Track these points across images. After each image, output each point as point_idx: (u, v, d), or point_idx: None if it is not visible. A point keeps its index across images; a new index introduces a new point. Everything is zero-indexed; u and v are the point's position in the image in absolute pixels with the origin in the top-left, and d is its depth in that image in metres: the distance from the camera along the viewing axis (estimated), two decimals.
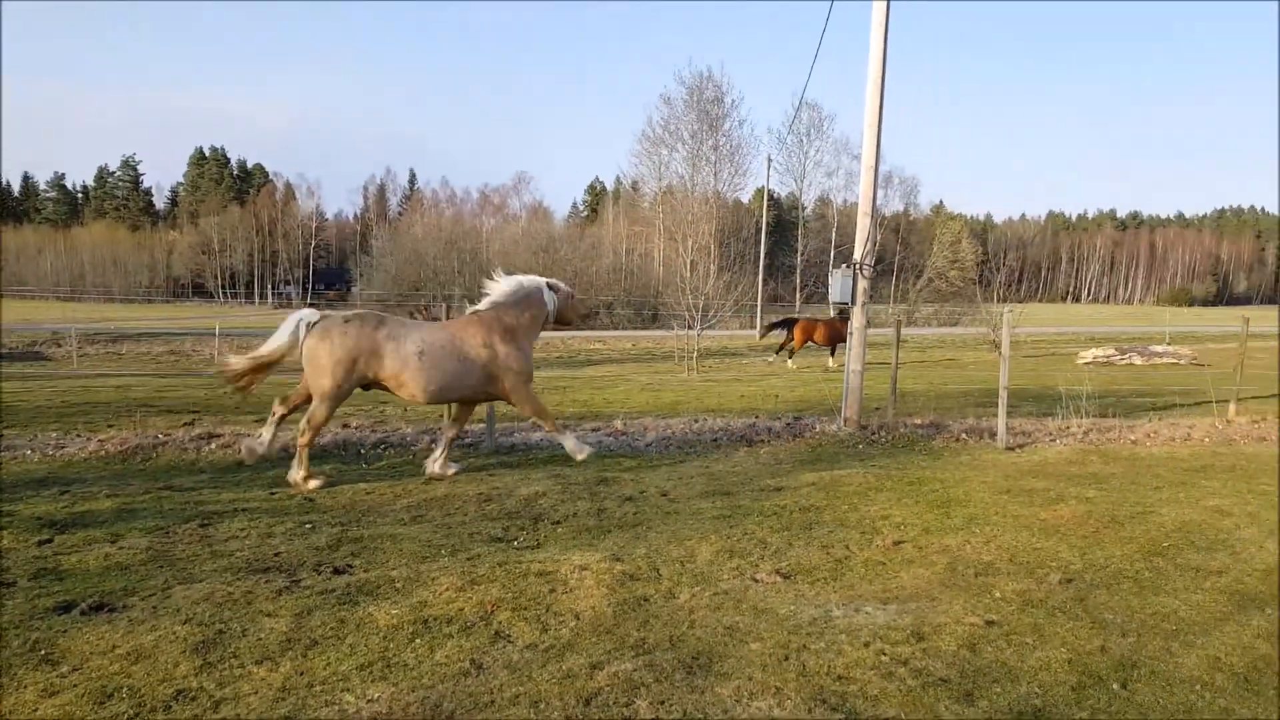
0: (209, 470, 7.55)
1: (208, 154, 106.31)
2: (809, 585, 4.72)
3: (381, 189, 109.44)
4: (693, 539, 5.52)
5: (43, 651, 3.61)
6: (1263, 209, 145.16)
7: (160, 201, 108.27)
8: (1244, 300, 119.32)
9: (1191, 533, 5.95)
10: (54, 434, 8.98)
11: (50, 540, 5.23)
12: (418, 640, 3.82)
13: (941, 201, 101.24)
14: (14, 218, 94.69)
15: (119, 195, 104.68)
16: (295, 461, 7.02)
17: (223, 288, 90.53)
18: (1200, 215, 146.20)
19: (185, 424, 9.86)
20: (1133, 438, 9.94)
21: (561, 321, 8.23)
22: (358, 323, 7.07)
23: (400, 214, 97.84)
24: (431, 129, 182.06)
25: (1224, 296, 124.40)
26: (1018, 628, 4.12)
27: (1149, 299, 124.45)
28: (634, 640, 3.87)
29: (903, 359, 16.12)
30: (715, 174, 61.82)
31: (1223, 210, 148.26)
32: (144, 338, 33.48)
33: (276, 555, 5.04)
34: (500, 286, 7.75)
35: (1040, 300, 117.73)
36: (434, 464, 7.47)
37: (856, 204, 11.72)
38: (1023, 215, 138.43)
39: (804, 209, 72.58)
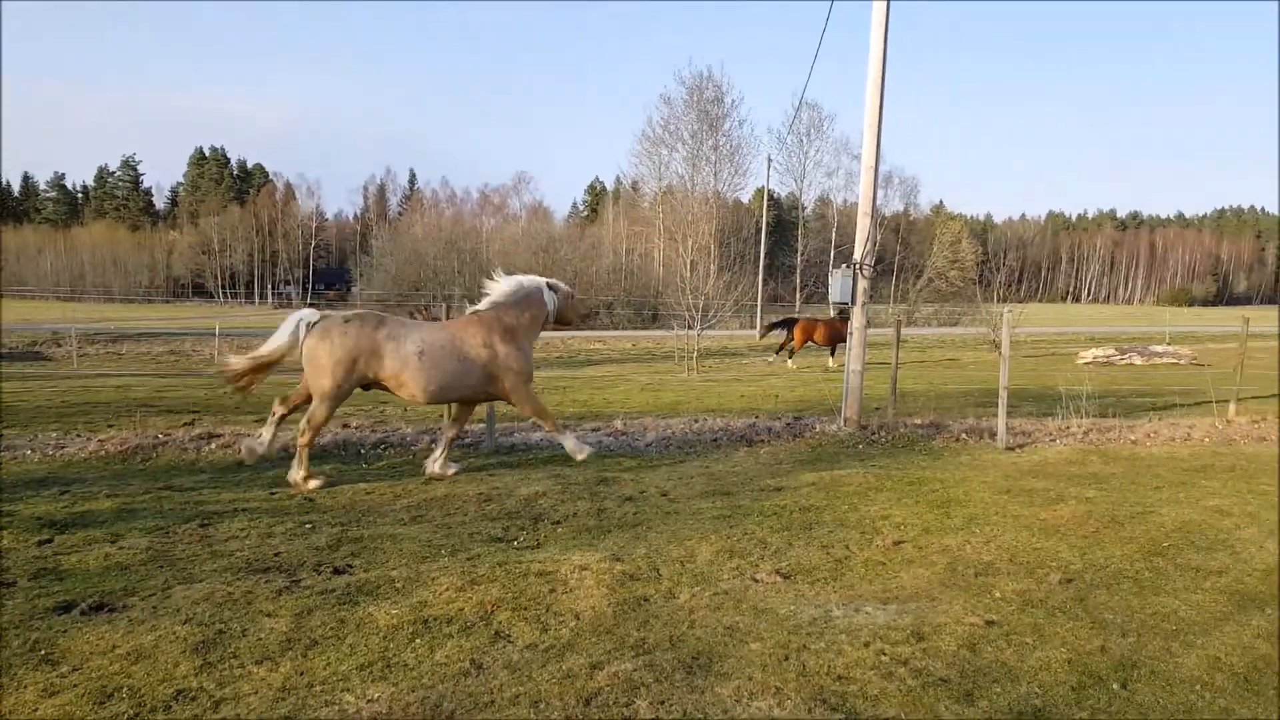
0: (209, 470, 7.55)
1: (208, 154, 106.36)
2: (809, 585, 4.72)
3: (381, 189, 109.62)
4: (693, 539, 5.52)
5: (43, 651, 3.62)
6: (1263, 209, 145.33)
7: (160, 201, 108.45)
8: (1244, 300, 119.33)
9: (1191, 533, 5.95)
10: (54, 434, 8.98)
11: (50, 540, 5.23)
12: (418, 640, 3.82)
13: (941, 201, 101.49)
14: (14, 218, 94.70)
15: (119, 195, 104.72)
16: (295, 461, 7.02)
17: (223, 288, 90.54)
18: (1200, 215, 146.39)
19: (185, 424, 9.86)
20: (1133, 438, 9.94)
21: (561, 321, 8.23)
22: (358, 323, 7.07)
23: (400, 214, 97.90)
24: (431, 129, 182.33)
25: (1224, 296, 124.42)
26: (1018, 628, 4.12)
27: (1149, 299, 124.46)
28: (634, 640, 3.87)
29: (903, 359, 16.12)
30: (715, 174, 61.85)
31: (1223, 210, 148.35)
32: (144, 338, 33.49)
33: (276, 555, 5.04)
34: (500, 286, 7.76)
35: (1040, 300, 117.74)
36: (434, 464, 7.47)
37: (856, 204, 11.72)
38: (1023, 215, 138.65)
39: (804, 209, 72.58)
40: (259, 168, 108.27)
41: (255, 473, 7.43)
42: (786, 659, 3.69)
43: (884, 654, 3.75)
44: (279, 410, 7.31)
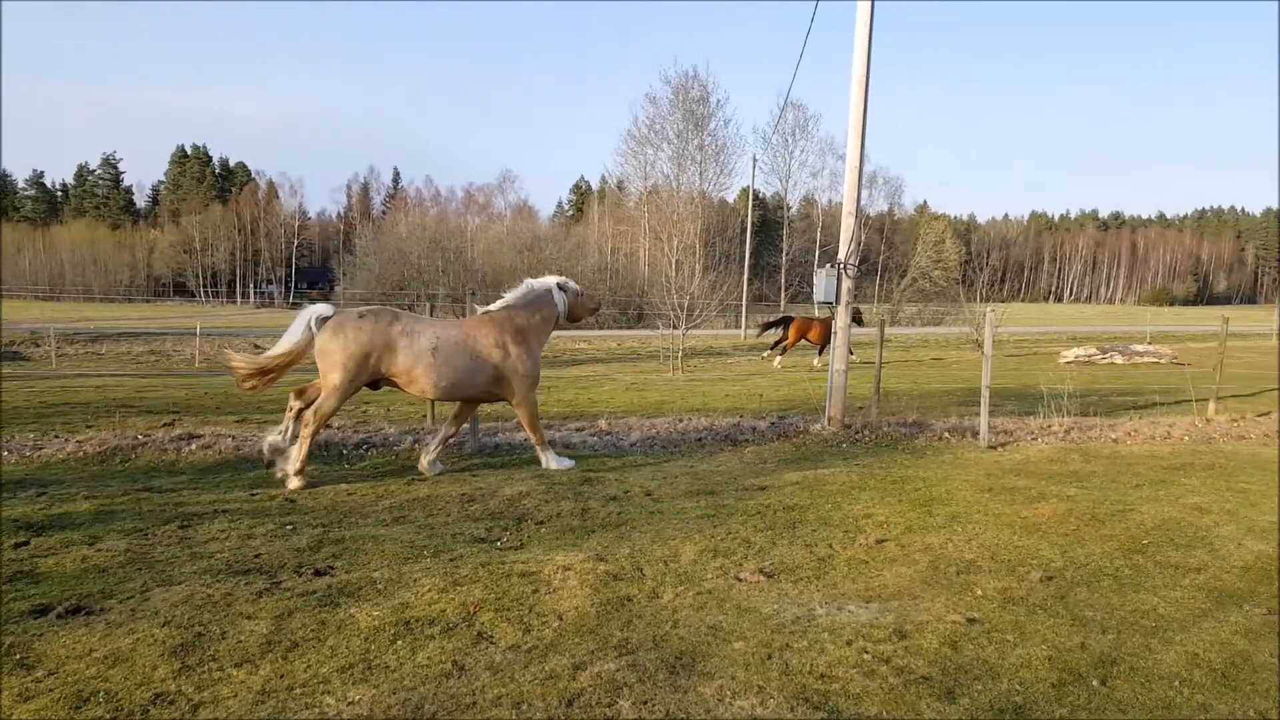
0: (189, 471, 7.49)
1: (189, 152, 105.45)
2: (792, 584, 4.73)
3: (365, 187, 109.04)
4: (677, 538, 5.52)
5: (18, 655, 3.57)
6: (1243, 209, 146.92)
7: (141, 200, 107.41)
8: (1224, 300, 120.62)
9: (1171, 530, 6.00)
10: (31, 435, 8.87)
11: (26, 543, 5.16)
12: (399, 642, 3.80)
13: (925, 201, 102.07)
14: None
15: (99, 194, 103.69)
16: (295, 449, 6.99)
17: (204, 287, 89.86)
18: (1181, 216, 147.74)
19: (165, 425, 9.78)
20: (1113, 436, 10.01)
21: (573, 319, 8.32)
22: (372, 318, 7.10)
23: (384, 213, 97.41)
24: (415, 127, 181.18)
25: (1204, 296, 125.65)
26: (999, 625, 4.14)
27: (1130, 299, 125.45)
28: (617, 640, 3.86)
29: (887, 358, 16.19)
30: (701, 173, 61.79)
31: (1203, 211, 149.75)
32: (124, 337, 33.19)
33: (257, 557, 5.00)
34: (513, 290, 7.86)
35: (1023, 300, 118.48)
36: (425, 458, 7.53)
37: (841, 204, 11.75)
38: (1006, 215, 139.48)
39: (789, 209, 72.75)
40: (241, 166, 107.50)
41: (236, 474, 7.38)
42: (769, 658, 3.69)
43: (866, 652, 3.76)
44: (295, 404, 7.29)
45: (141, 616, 4.00)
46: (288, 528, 5.62)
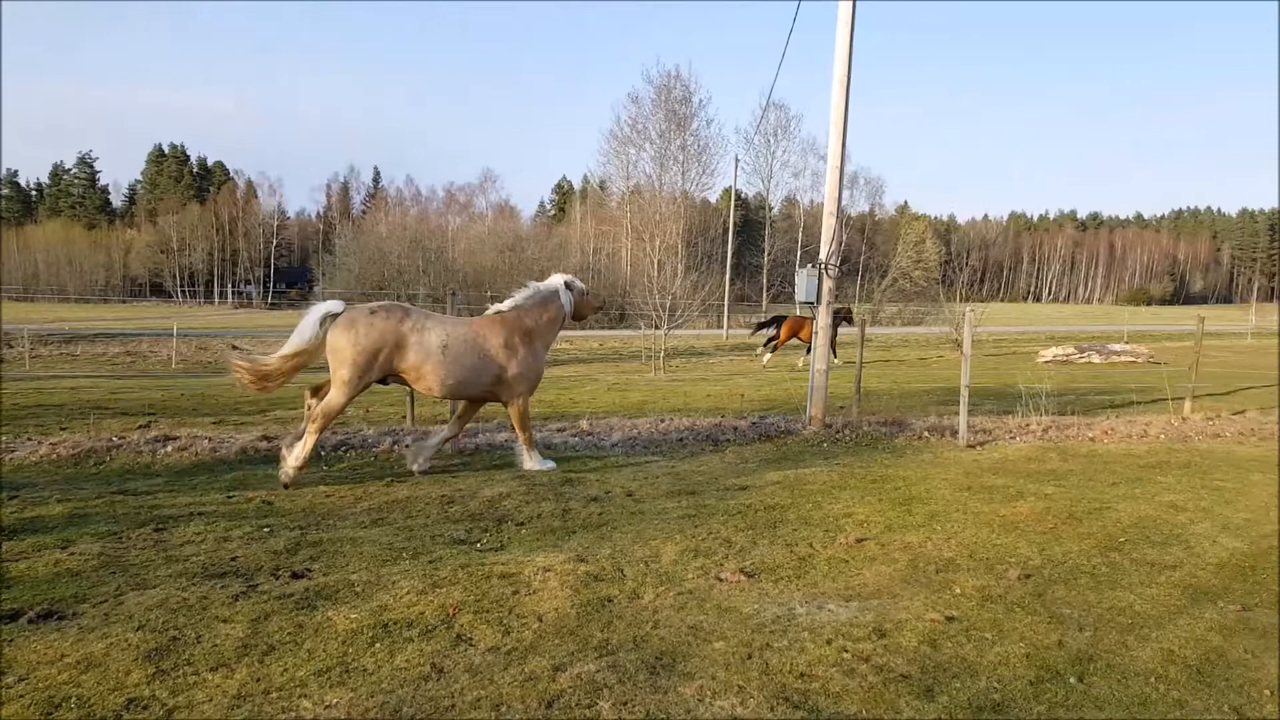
0: (164, 474, 7.40)
1: (166, 151, 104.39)
2: (773, 584, 4.74)
3: (345, 187, 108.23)
4: (658, 539, 5.51)
5: None
6: (1219, 210, 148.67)
7: (118, 199, 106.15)
8: (1200, 299, 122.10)
9: (1147, 528, 6.06)
10: (3, 437, 8.75)
11: None
12: (377, 645, 3.77)
13: (906, 202, 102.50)
14: None
15: (74, 193, 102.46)
16: (301, 444, 6.97)
17: (181, 287, 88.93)
18: (1158, 216, 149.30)
19: (140, 426, 9.67)
20: (1091, 435, 10.10)
21: (577, 318, 8.41)
22: (383, 314, 7.10)
23: (364, 212, 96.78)
24: (404, 127, 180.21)
25: (1181, 296, 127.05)
26: (977, 623, 4.16)
27: (1108, 298, 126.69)
28: (597, 641, 3.85)
29: (867, 358, 16.26)
30: (683, 173, 61.90)
31: (1180, 211, 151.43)
32: (100, 338, 32.79)
33: (233, 560, 4.95)
34: (520, 291, 7.92)
35: (1002, 300, 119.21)
36: (420, 458, 7.60)
37: (823, 204, 11.78)
38: (985, 216, 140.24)
39: (771, 209, 72.97)
40: (219, 165, 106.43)
41: (212, 476, 7.30)
42: (749, 657, 3.69)
43: (846, 651, 3.77)
44: (312, 400, 7.26)
45: (115, 621, 3.95)
46: (265, 530, 5.57)
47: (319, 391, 7.25)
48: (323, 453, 8.31)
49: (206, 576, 4.63)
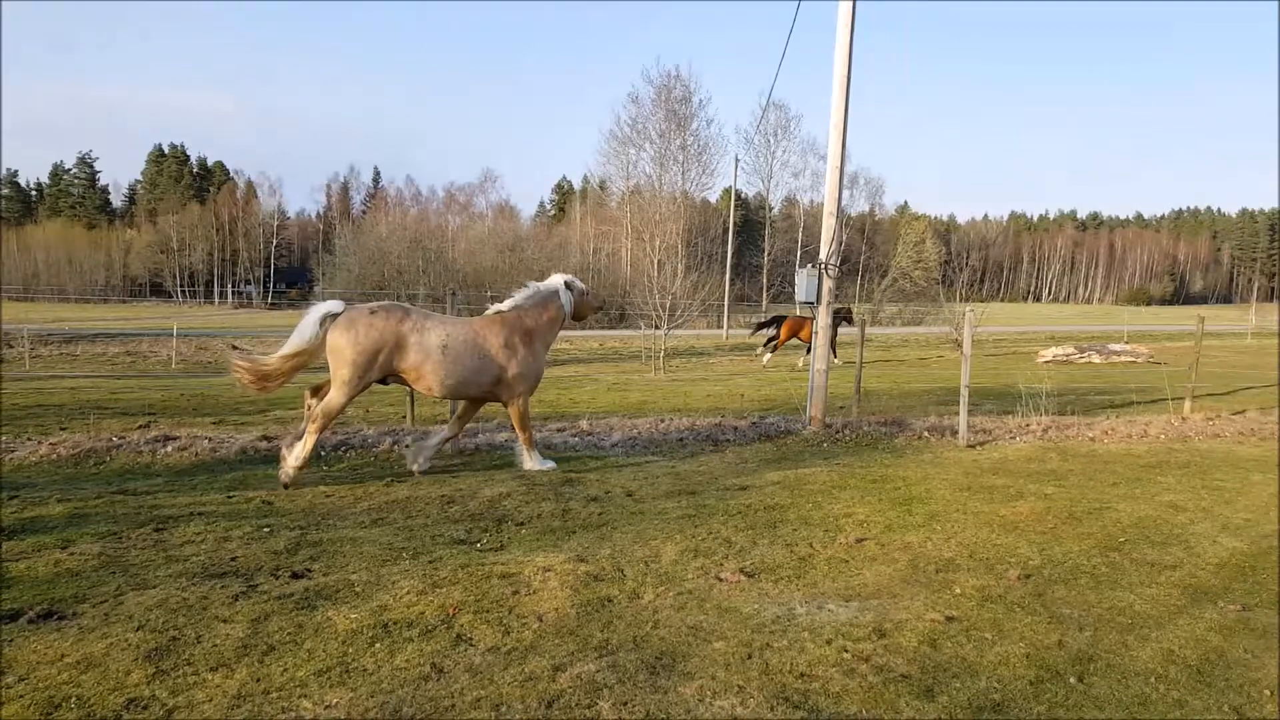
0: (164, 474, 7.40)
1: (166, 151, 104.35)
2: (773, 584, 4.74)
3: (345, 187, 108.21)
4: (658, 539, 5.52)
5: None
6: (1219, 210, 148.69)
7: (118, 199, 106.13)
8: (1200, 299, 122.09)
9: (1147, 528, 6.05)
10: (3, 438, 8.75)
11: None
12: (377, 645, 3.77)
13: (906, 202, 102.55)
14: None
15: (74, 193, 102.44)
16: (301, 444, 6.97)
17: (181, 287, 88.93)
18: (1158, 216, 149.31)
19: (140, 426, 9.67)
20: (1091, 435, 10.10)
21: (577, 318, 8.41)
22: (383, 314, 7.11)
23: (364, 212, 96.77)
24: (405, 127, 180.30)
25: (1181, 296, 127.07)
26: (977, 623, 4.16)
27: (1108, 298, 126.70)
28: (597, 641, 3.85)
29: (867, 358, 16.26)
30: (683, 173, 61.89)
31: (1180, 211, 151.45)
32: (100, 338, 32.79)
33: (233, 560, 4.95)
34: (520, 291, 7.94)
35: (1002, 300, 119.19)
36: (420, 458, 7.60)
37: (823, 204, 11.79)
38: (985, 216, 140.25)
39: (771, 209, 72.98)
40: (219, 165, 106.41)
41: (212, 476, 7.30)
42: (749, 657, 3.69)
43: (846, 651, 3.77)
44: (312, 400, 7.28)
45: (115, 621, 3.95)
46: (265, 530, 5.57)
47: (319, 391, 7.25)
48: (322, 453, 8.30)
49: (206, 576, 4.63)
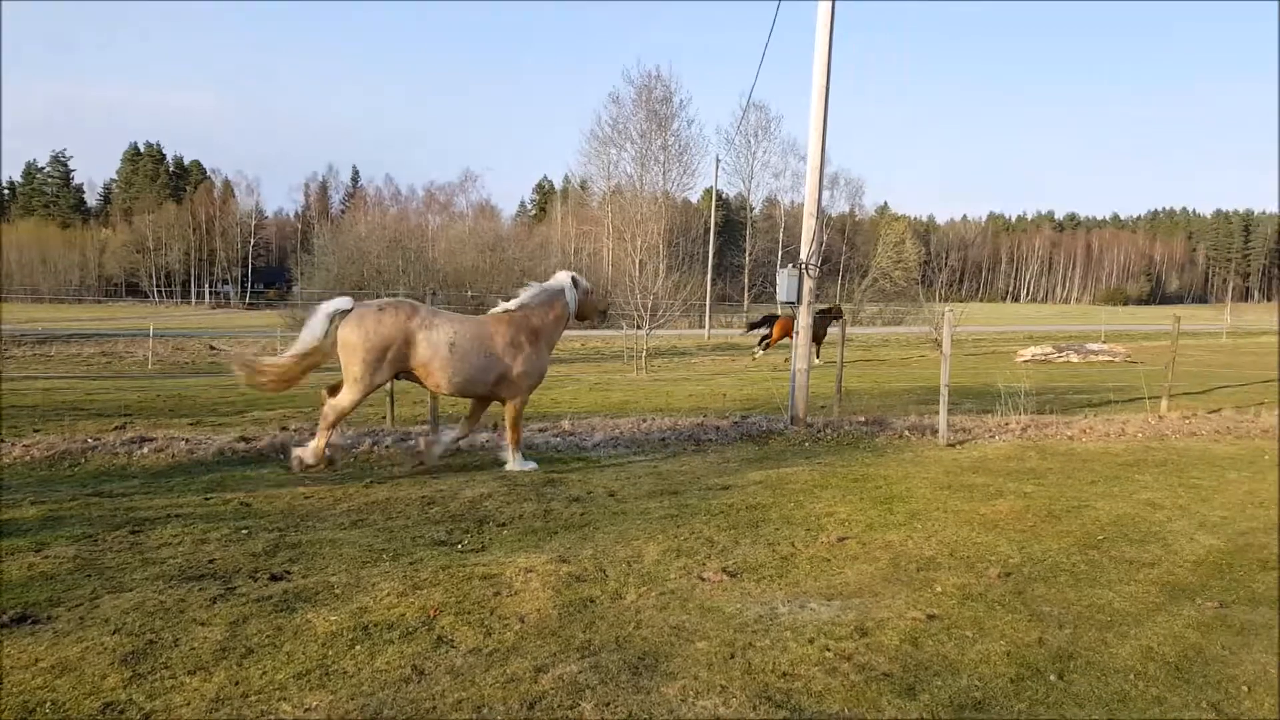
0: (141, 475, 7.31)
1: (142, 150, 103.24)
2: (755, 583, 4.74)
3: (324, 186, 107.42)
4: (640, 539, 5.51)
5: None
6: (1194, 211, 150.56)
7: (93, 199, 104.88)
8: (1176, 299, 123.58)
9: (1125, 526, 6.11)
10: None
11: None
12: (358, 647, 3.74)
13: (886, 203, 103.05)
14: None
15: (48, 192, 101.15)
16: (314, 440, 7.09)
17: (158, 287, 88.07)
18: (1135, 217, 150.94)
19: (116, 428, 9.55)
20: (1069, 433, 10.18)
21: (581, 318, 8.44)
22: (392, 310, 7.14)
23: (343, 212, 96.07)
24: (394, 126, 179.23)
25: (1157, 296, 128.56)
26: (958, 621, 4.18)
27: (1085, 298, 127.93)
28: (579, 642, 3.83)
29: (848, 358, 16.31)
30: (664, 173, 61.95)
31: (1156, 212, 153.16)
32: (75, 339, 32.35)
33: (211, 562, 4.89)
34: (526, 290, 7.95)
35: (981, 300, 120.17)
36: (435, 450, 7.80)
37: (803, 205, 11.82)
38: (964, 216, 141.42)
39: (752, 209, 73.19)
40: (196, 164, 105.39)
41: (189, 477, 7.22)
42: (732, 657, 3.69)
43: (828, 650, 3.78)
44: (329, 399, 7.28)
45: (91, 624, 3.89)
46: (243, 532, 5.51)
47: (335, 390, 7.27)
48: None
49: (184, 579, 4.57)
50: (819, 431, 10.04)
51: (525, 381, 7.64)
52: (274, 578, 4.62)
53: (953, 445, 9.37)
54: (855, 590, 4.65)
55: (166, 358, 26.83)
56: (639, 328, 24.94)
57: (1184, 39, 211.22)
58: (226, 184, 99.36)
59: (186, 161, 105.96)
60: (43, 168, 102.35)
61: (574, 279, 8.13)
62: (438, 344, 7.14)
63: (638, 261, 50.43)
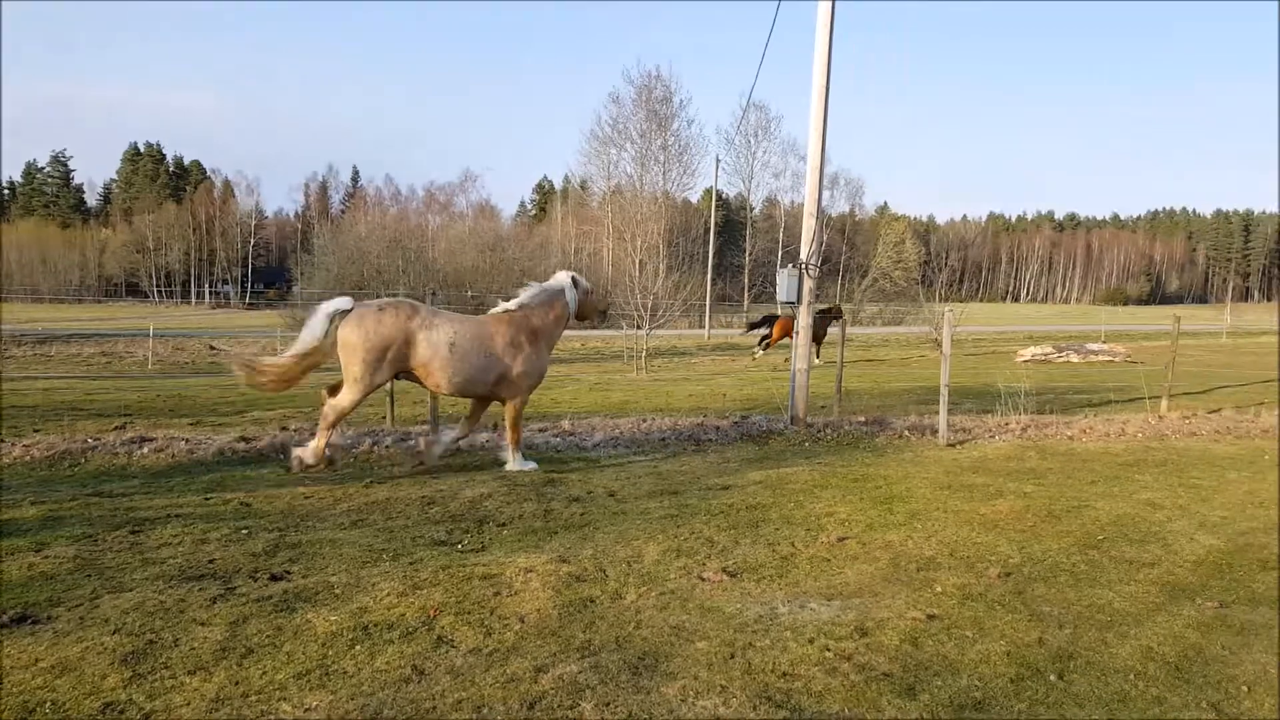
0: (141, 475, 7.31)
1: (142, 150, 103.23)
2: (755, 583, 4.74)
3: (324, 186, 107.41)
4: (640, 539, 5.51)
5: None
6: (1194, 211, 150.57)
7: (93, 199, 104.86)
8: (1176, 299, 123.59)
9: (1125, 526, 6.11)
10: None
11: None
12: (358, 647, 3.74)
13: (886, 203, 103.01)
14: None
15: (48, 192, 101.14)
16: (314, 439, 7.10)
17: (158, 287, 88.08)
18: (1134, 217, 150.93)
19: (116, 428, 9.56)
20: (1069, 433, 10.18)
21: (581, 318, 8.44)
22: (392, 310, 7.15)
23: (343, 211, 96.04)
24: (394, 126, 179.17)
25: (1157, 296, 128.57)
26: (958, 621, 4.18)
27: (1085, 298, 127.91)
28: (579, 642, 3.83)
29: (848, 358, 16.31)
30: (664, 173, 61.95)
31: (1156, 212, 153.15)
32: (75, 338, 32.35)
33: (211, 562, 4.89)
34: (526, 290, 7.96)
35: (981, 300, 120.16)
36: (435, 450, 7.79)
37: (803, 205, 11.82)
38: (964, 216, 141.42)
39: (752, 209, 73.19)
40: (196, 164, 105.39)
41: (189, 477, 7.22)
42: (732, 657, 3.69)
43: (828, 650, 3.77)
44: (331, 400, 7.28)
45: (91, 624, 3.89)
46: (243, 532, 5.51)
47: (335, 390, 7.27)
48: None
49: (184, 579, 4.57)
50: (819, 431, 10.04)
51: (525, 381, 7.65)
52: (274, 578, 4.62)
53: (953, 445, 9.37)
54: (855, 590, 4.65)
55: (166, 358, 26.83)
56: (639, 328, 24.94)
57: (1184, 39, 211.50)
58: (226, 184, 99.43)
59: (186, 161, 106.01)
60: (43, 168, 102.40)
61: (574, 279, 8.12)
62: (438, 344, 7.14)
63: (638, 261, 50.47)
